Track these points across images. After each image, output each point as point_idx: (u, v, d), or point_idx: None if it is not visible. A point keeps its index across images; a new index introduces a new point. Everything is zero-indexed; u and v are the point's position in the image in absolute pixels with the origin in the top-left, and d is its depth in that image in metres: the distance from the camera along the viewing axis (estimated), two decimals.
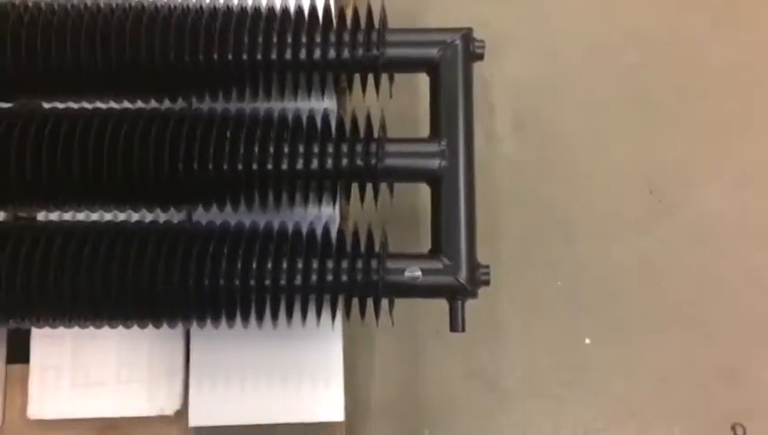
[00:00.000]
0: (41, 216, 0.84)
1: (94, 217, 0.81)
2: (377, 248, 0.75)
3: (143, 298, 0.72)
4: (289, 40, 0.74)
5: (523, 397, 1.16)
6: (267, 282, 0.72)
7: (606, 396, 1.17)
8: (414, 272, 0.73)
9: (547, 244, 1.21)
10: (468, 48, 0.77)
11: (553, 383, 1.17)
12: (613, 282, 1.20)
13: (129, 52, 0.72)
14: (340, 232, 0.76)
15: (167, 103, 0.79)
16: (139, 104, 0.79)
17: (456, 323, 0.74)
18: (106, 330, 0.77)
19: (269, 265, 0.72)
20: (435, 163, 0.75)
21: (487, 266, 0.75)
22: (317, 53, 0.74)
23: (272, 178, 0.73)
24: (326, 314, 0.75)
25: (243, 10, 0.75)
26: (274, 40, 0.74)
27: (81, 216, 0.81)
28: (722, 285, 1.20)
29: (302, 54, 0.74)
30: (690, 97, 1.27)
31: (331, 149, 0.74)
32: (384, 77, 0.77)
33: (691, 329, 1.18)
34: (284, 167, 0.73)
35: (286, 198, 0.75)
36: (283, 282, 0.72)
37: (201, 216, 0.80)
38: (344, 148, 0.74)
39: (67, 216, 0.81)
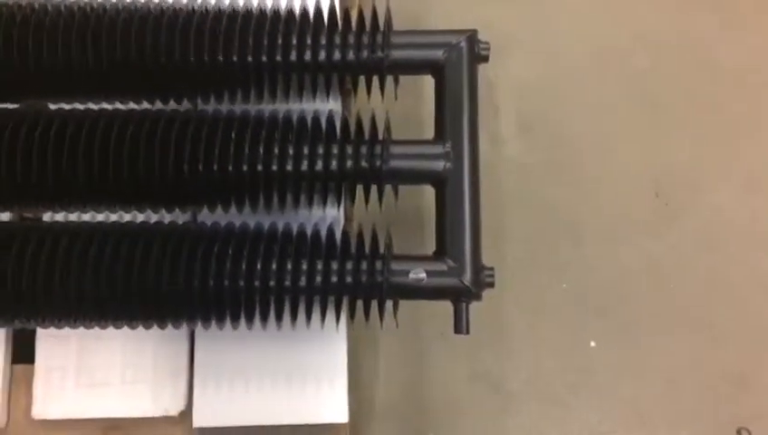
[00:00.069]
0: (46, 216, 0.84)
1: (100, 217, 0.81)
2: (381, 250, 0.75)
3: (148, 299, 0.72)
4: (294, 42, 0.74)
5: (528, 400, 1.16)
6: (272, 283, 0.72)
7: (612, 399, 1.16)
8: (418, 274, 0.73)
9: (553, 246, 1.20)
10: (473, 50, 0.76)
11: (559, 386, 1.16)
12: (619, 285, 1.19)
13: (134, 53, 0.72)
14: (345, 233, 0.76)
15: (172, 105, 0.79)
16: (145, 105, 0.79)
17: (460, 325, 0.74)
18: (111, 331, 0.77)
19: (273, 267, 0.72)
20: (439, 165, 0.75)
21: (492, 268, 0.75)
22: (322, 55, 0.75)
23: (276, 179, 0.73)
24: (330, 315, 0.75)
25: (248, 12, 0.75)
26: (279, 41, 0.74)
27: (86, 216, 0.81)
28: (730, 288, 1.20)
29: (307, 56, 0.74)
30: (698, 100, 1.26)
31: (335, 151, 0.74)
32: (389, 79, 0.77)
33: (698, 332, 1.18)
34: (289, 168, 0.73)
35: (291, 200, 0.75)
36: (287, 283, 0.72)
37: (206, 217, 0.80)
38: (349, 149, 0.74)
39: (72, 216, 0.82)
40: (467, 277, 0.73)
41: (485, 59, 0.77)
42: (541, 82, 1.26)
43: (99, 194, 0.74)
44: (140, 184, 0.72)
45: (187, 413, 0.85)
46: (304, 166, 0.73)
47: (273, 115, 0.76)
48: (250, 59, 0.73)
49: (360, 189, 0.76)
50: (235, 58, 0.73)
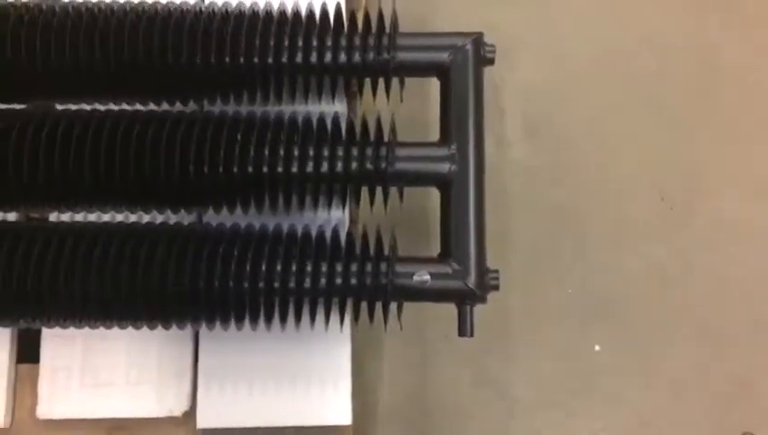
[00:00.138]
0: (53, 216, 0.85)
1: (105, 218, 0.82)
2: (386, 252, 0.74)
3: (153, 299, 0.72)
4: (300, 43, 0.74)
5: (532, 404, 1.15)
6: (276, 284, 0.72)
7: (616, 404, 1.16)
8: (423, 276, 0.73)
9: (557, 250, 1.20)
10: (479, 52, 0.76)
11: (563, 391, 1.16)
12: (625, 289, 1.19)
13: (141, 54, 0.73)
14: (350, 235, 0.76)
15: (178, 106, 0.79)
16: (151, 106, 0.79)
17: (464, 328, 0.74)
18: (116, 331, 0.77)
19: (278, 268, 0.72)
20: (445, 167, 0.75)
21: (497, 271, 0.75)
22: (328, 57, 0.75)
23: (282, 180, 0.73)
24: (334, 317, 0.75)
25: (254, 13, 0.75)
26: (286, 43, 0.74)
27: (92, 217, 0.82)
28: (735, 293, 1.19)
29: (313, 58, 0.74)
30: (704, 103, 1.26)
31: (341, 153, 0.74)
32: (395, 81, 0.77)
33: (704, 337, 1.17)
34: (295, 170, 0.73)
35: (296, 201, 0.75)
36: (292, 284, 0.72)
37: (211, 218, 0.80)
38: (354, 151, 0.74)
39: (79, 217, 0.82)
40: (472, 280, 0.73)
41: (491, 61, 0.77)
42: (546, 84, 1.26)
43: (105, 194, 0.75)
44: (146, 185, 0.72)
45: (190, 414, 0.85)
46: (309, 167, 0.73)
47: (279, 117, 0.76)
48: (256, 60, 0.73)
49: (365, 191, 0.76)
50: (241, 60, 0.73)
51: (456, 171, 0.75)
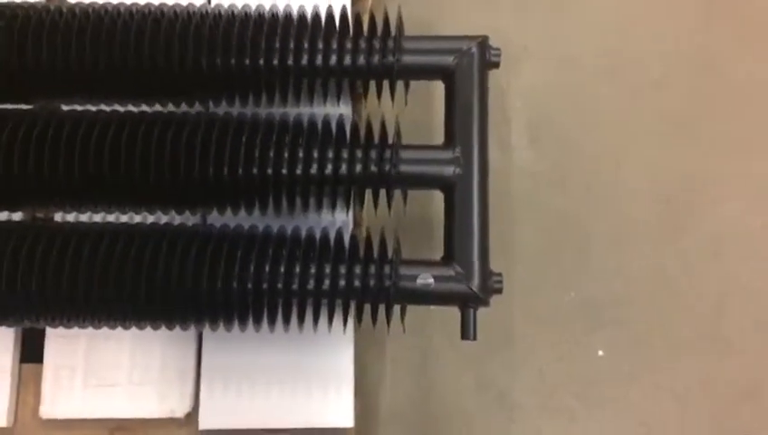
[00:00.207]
0: (57, 216, 0.85)
1: (110, 218, 0.82)
2: (389, 254, 0.75)
3: (156, 300, 0.72)
4: (306, 46, 0.75)
5: (534, 408, 1.15)
6: (280, 286, 0.72)
7: (618, 409, 1.15)
8: (426, 279, 0.73)
9: (561, 254, 1.20)
10: (484, 56, 0.77)
11: (565, 395, 1.15)
12: (628, 294, 1.18)
13: (147, 56, 0.73)
14: (353, 238, 0.76)
15: (183, 107, 0.79)
16: (157, 108, 0.80)
17: (467, 331, 0.74)
18: (119, 331, 0.77)
19: (282, 270, 0.72)
20: (449, 170, 0.75)
21: (500, 274, 0.75)
22: (333, 60, 0.75)
23: (286, 182, 0.74)
24: (338, 319, 0.75)
25: (260, 16, 0.76)
26: (291, 46, 0.74)
27: (97, 217, 0.82)
28: (740, 299, 1.19)
29: (319, 60, 0.75)
30: (710, 110, 1.26)
31: (345, 155, 0.74)
32: (399, 84, 0.77)
33: (708, 343, 1.17)
34: (299, 172, 0.73)
35: (300, 203, 0.75)
36: (295, 286, 0.72)
37: (216, 219, 0.80)
38: (358, 154, 0.74)
39: (83, 217, 0.82)
40: (475, 283, 0.73)
41: (496, 65, 0.78)
42: (552, 89, 1.25)
43: (110, 195, 0.75)
44: (151, 185, 0.73)
45: (193, 415, 0.85)
46: (314, 169, 0.73)
47: (284, 119, 0.76)
48: (262, 63, 0.74)
49: (369, 194, 0.77)
50: (246, 62, 0.74)
51: (460, 174, 0.75)
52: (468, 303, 0.74)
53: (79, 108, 0.79)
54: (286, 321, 0.74)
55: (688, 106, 1.26)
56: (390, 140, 0.75)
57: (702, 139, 1.24)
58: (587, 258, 1.20)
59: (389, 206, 0.77)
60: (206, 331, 0.84)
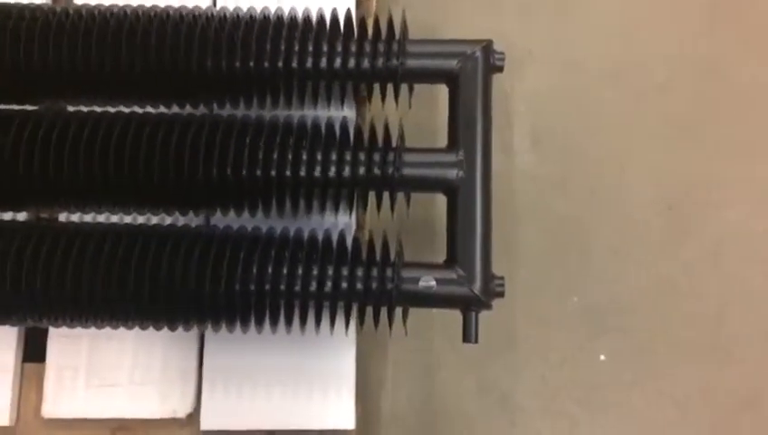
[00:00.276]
0: (62, 217, 0.85)
1: (114, 219, 0.82)
2: (392, 257, 0.75)
3: (159, 300, 0.72)
4: (310, 49, 0.75)
5: (536, 412, 1.15)
6: (282, 287, 0.72)
7: (620, 415, 1.15)
8: (428, 281, 0.73)
9: (564, 258, 1.20)
10: (488, 60, 0.77)
11: (566, 400, 1.15)
12: (631, 299, 1.18)
13: (152, 58, 0.73)
14: (356, 240, 0.76)
15: (188, 109, 0.80)
16: (161, 109, 0.80)
17: (469, 335, 0.74)
18: (122, 331, 0.78)
19: (284, 271, 0.73)
20: (452, 173, 0.75)
21: (502, 278, 0.75)
22: (338, 63, 0.75)
23: (289, 184, 0.74)
24: (340, 321, 0.75)
25: (265, 18, 0.76)
26: (296, 49, 0.74)
27: (101, 218, 0.82)
28: (743, 305, 1.18)
29: (323, 63, 0.75)
30: (714, 115, 1.25)
31: (348, 158, 0.74)
32: (403, 87, 0.78)
33: (710, 350, 1.17)
34: (303, 174, 0.73)
35: (303, 205, 0.76)
36: (297, 288, 0.73)
37: (219, 221, 0.80)
38: (362, 156, 0.74)
39: (88, 217, 0.82)
40: (477, 286, 0.73)
41: (500, 69, 0.78)
42: (555, 94, 1.25)
43: (114, 195, 0.75)
44: (155, 186, 0.73)
45: (194, 416, 0.85)
46: (317, 172, 0.73)
47: (288, 121, 0.76)
48: (266, 65, 0.74)
49: (372, 196, 0.77)
50: (251, 64, 0.74)
51: (464, 178, 0.75)
52: (470, 306, 0.74)
53: (84, 109, 0.79)
54: (288, 323, 0.75)
55: (692, 110, 1.25)
56: (394, 143, 0.75)
57: (706, 142, 1.24)
58: (590, 262, 1.19)
59: (392, 208, 0.77)
60: (209, 332, 0.85)
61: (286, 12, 0.77)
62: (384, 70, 0.76)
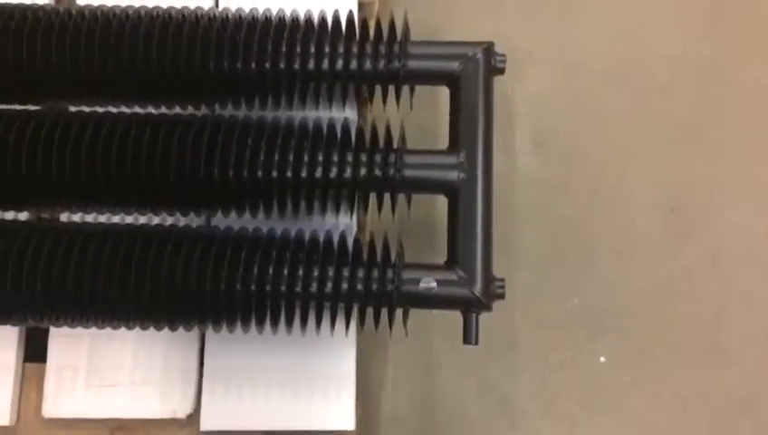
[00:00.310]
0: (63, 217, 0.85)
1: (115, 219, 0.82)
2: (393, 258, 0.75)
3: (160, 301, 0.72)
4: (312, 50, 0.75)
5: (536, 414, 1.15)
6: (283, 288, 0.72)
7: (620, 416, 1.15)
8: (429, 283, 0.73)
9: (565, 260, 1.20)
10: (489, 62, 0.77)
11: (567, 401, 1.15)
12: (631, 301, 1.18)
13: (155, 59, 0.73)
14: (357, 241, 0.76)
15: (190, 110, 0.80)
16: (163, 110, 0.80)
17: (469, 336, 0.74)
18: (122, 332, 0.78)
19: (285, 272, 0.73)
20: (453, 175, 0.75)
21: (503, 280, 0.75)
22: (339, 64, 0.75)
23: (291, 185, 0.74)
24: (340, 322, 0.75)
25: (267, 20, 0.76)
26: (298, 50, 0.75)
27: (102, 218, 0.82)
28: (744, 307, 1.18)
29: (325, 65, 0.75)
30: (716, 117, 1.25)
31: (350, 159, 0.74)
32: (405, 89, 0.78)
33: (710, 352, 1.17)
34: (304, 175, 0.73)
35: (304, 206, 0.76)
36: (298, 289, 0.73)
37: (220, 221, 0.80)
38: (363, 157, 0.75)
39: (89, 217, 0.83)
40: (478, 288, 0.73)
41: (501, 71, 0.78)
42: (557, 96, 1.25)
43: (115, 196, 0.75)
44: (156, 187, 0.73)
45: (194, 416, 0.85)
46: (318, 173, 0.74)
47: (290, 122, 0.76)
48: (268, 66, 0.74)
49: (373, 197, 0.77)
50: (253, 65, 0.74)
51: (465, 179, 0.75)
52: (471, 307, 0.74)
53: (86, 109, 0.79)
54: (289, 323, 0.75)
55: (695, 112, 1.25)
56: (395, 145, 0.75)
57: (708, 144, 1.24)
58: (590, 265, 1.19)
59: (393, 210, 0.77)
60: (209, 332, 0.85)
61: (288, 13, 0.77)
62: (385, 71, 0.76)
